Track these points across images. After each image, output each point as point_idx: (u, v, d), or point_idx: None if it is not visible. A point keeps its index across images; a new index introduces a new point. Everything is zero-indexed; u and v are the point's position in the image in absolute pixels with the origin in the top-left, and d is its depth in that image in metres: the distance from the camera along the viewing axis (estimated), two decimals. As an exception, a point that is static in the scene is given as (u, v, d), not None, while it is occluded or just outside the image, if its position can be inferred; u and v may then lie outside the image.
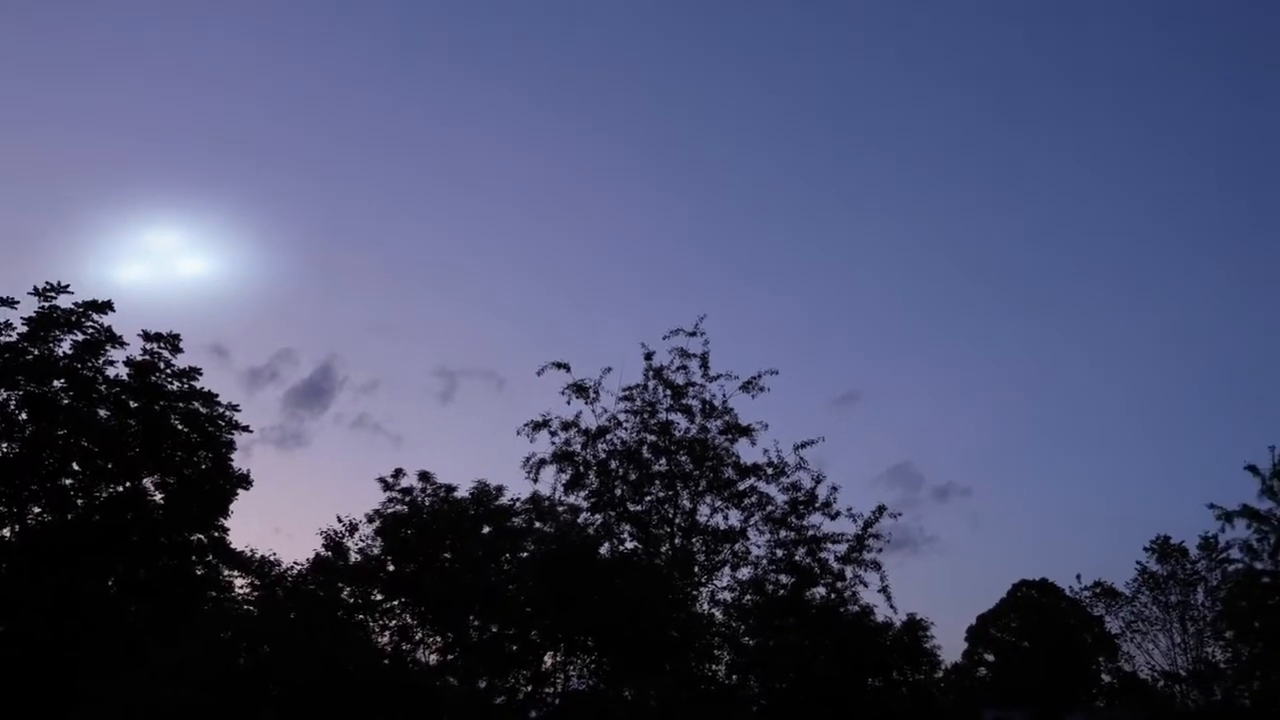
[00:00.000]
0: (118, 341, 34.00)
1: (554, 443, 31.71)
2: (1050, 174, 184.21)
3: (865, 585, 30.65)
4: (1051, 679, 66.52)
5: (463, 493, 34.54)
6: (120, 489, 34.39)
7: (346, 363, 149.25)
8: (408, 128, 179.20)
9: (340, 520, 33.73)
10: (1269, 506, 48.06)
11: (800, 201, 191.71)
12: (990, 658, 75.45)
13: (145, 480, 34.84)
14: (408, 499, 34.11)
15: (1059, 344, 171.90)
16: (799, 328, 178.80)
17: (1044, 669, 67.69)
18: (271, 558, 32.99)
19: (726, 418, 32.20)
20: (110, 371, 34.07)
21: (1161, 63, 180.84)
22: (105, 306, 33.61)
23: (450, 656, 32.17)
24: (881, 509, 30.77)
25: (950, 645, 76.13)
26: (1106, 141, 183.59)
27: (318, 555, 32.81)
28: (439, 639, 32.54)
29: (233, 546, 35.21)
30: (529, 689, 31.31)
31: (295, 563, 32.42)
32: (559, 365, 31.90)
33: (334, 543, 33.26)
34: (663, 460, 31.69)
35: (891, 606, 30.75)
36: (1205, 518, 50.48)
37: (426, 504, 34.07)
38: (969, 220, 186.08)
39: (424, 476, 34.78)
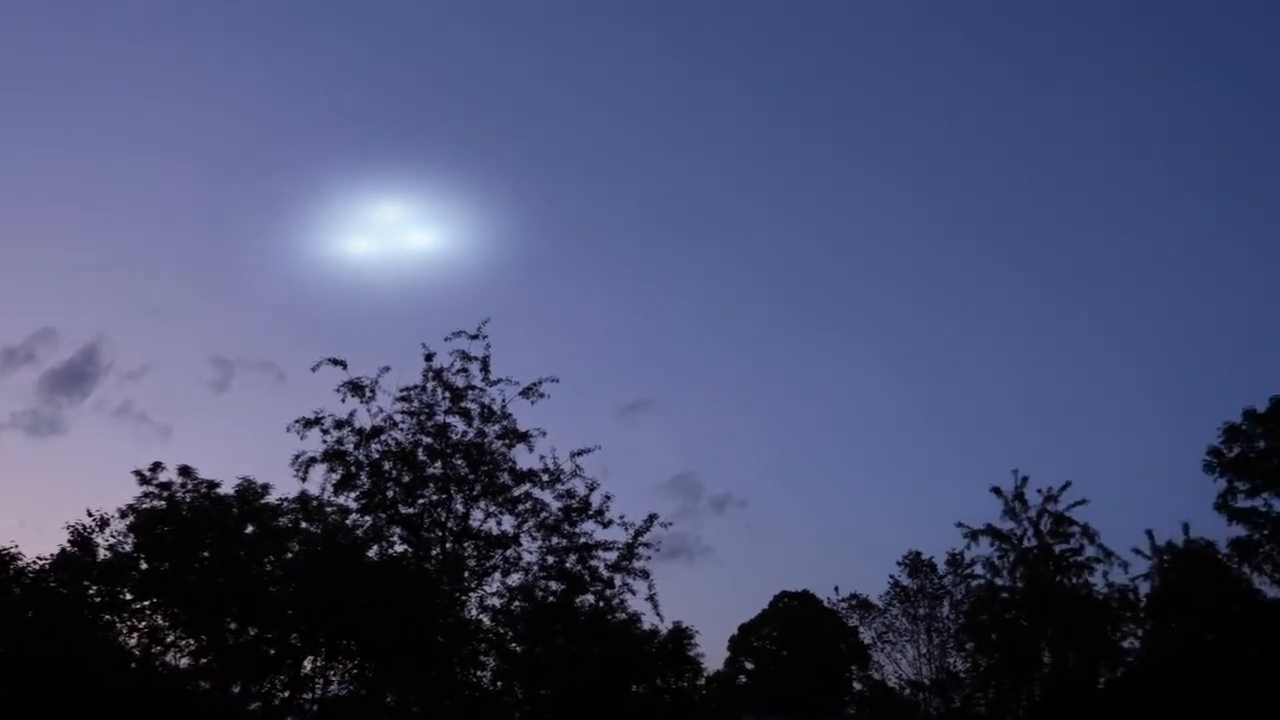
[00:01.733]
0: None
1: (326, 441, 30.87)
2: (837, 183, 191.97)
3: (634, 593, 31.16)
4: (807, 687, 69.15)
5: (227, 489, 33.15)
6: None
7: (115, 346, 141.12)
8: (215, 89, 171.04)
9: (90, 515, 31.76)
10: (1010, 527, 51.64)
11: (592, 210, 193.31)
12: (750, 666, 77.71)
13: None
14: (166, 494, 32.43)
15: (839, 357, 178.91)
16: (592, 334, 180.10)
17: (801, 677, 70.27)
18: (14, 550, 30.76)
19: (505, 423, 32.11)
20: None
21: (948, 60, 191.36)
22: None
23: (204, 660, 30.83)
24: (652, 518, 31.33)
25: (716, 653, 78.06)
26: (897, 149, 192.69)
27: (63, 551, 30.78)
28: (193, 641, 31.12)
29: (-37, 539, 32.56)
30: (286, 694, 30.33)
31: (39, 558, 30.35)
32: (335, 362, 31.12)
33: (81, 538, 31.23)
34: (438, 463, 31.32)
35: (658, 614, 31.36)
36: (956, 535, 53.46)
37: (187, 500, 32.49)
38: (759, 232, 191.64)
39: (185, 471, 33.13)
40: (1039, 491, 51.53)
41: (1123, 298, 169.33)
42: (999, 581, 52.53)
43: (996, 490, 52.13)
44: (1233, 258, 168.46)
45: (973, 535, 52.49)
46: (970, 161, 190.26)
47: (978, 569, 54.86)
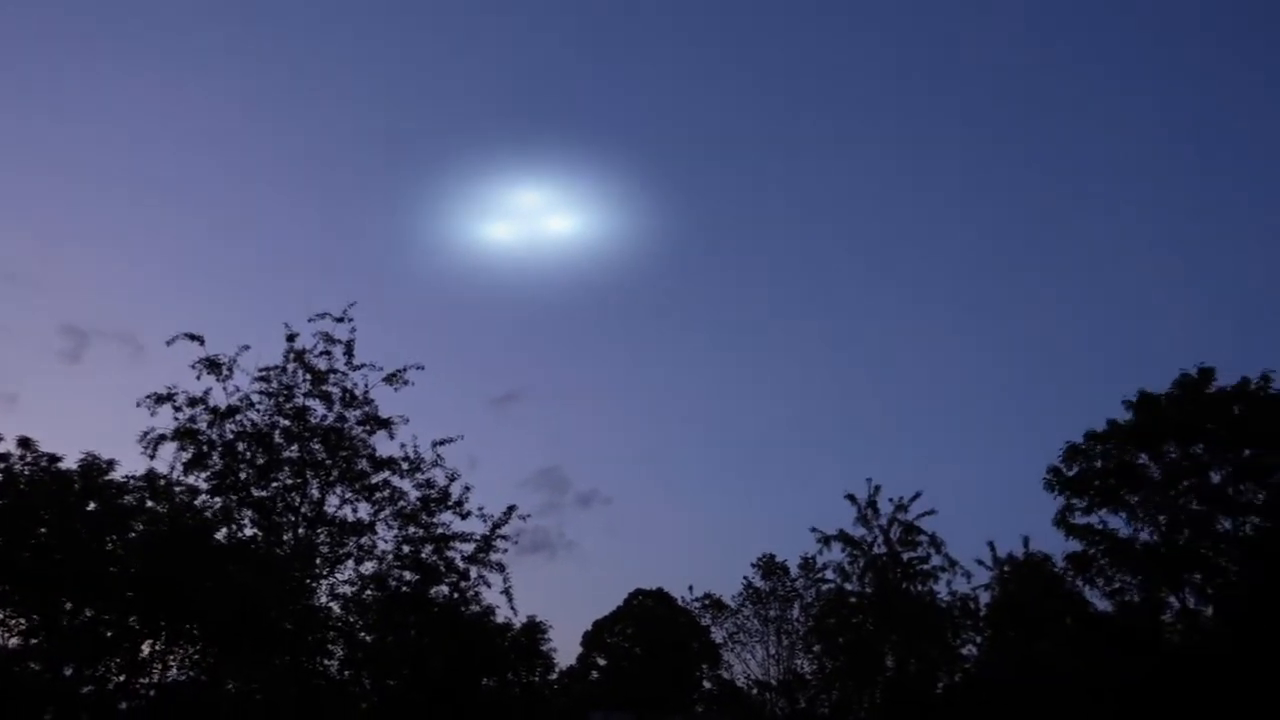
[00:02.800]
0: None
1: (178, 419, 29.84)
2: (708, 183, 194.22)
3: (489, 586, 30.91)
4: (658, 685, 69.79)
5: (70, 464, 31.85)
6: None
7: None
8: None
9: (-87, 487, 30.11)
10: (862, 534, 52.95)
11: (470, 199, 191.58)
12: (603, 662, 78.07)
13: None
14: (3, 467, 31.00)
15: (710, 360, 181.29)
16: (466, 323, 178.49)
17: (651, 675, 70.89)
18: None
19: (367, 408, 31.53)
20: None
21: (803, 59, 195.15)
22: None
23: (35, 640, 29.56)
24: (511, 510, 31.13)
25: (573, 649, 78.30)
26: (762, 149, 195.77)
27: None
28: (24, 621, 29.82)
29: None
30: (121, 678, 29.28)
31: None
32: (192, 337, 30.11)
33: (-99, 512, 29.61)
34: (295, 446, 30.58)
35: (512, 608, 31.15)
36: (811, 539, 54.59)
37: (25, 474, 31.11)
38: (632, 226, 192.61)
39: (24, 443, 31.76)
40: (891, 500, 52.99)
41: (985, 312, 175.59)
42: (848, 586, 53.81)
43: (851, 497, 53.43)
44: (1091, 274, 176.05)
45: (826, 540, 53.63)
46: (844, 161, 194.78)
47: (829, 573, 56.04)
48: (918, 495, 52.63)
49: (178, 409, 29.84)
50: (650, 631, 75.08)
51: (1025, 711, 40.68)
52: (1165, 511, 38.94)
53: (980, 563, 51.06)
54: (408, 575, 30.57)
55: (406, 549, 30.60)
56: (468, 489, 31.29)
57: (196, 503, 29.61)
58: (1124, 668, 36.66)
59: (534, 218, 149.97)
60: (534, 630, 34.51)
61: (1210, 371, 39.81)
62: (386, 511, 30.85)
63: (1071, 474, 41.20)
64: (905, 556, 52.12)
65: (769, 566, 67.22)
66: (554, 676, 55.28)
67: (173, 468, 29.56)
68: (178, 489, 30.10)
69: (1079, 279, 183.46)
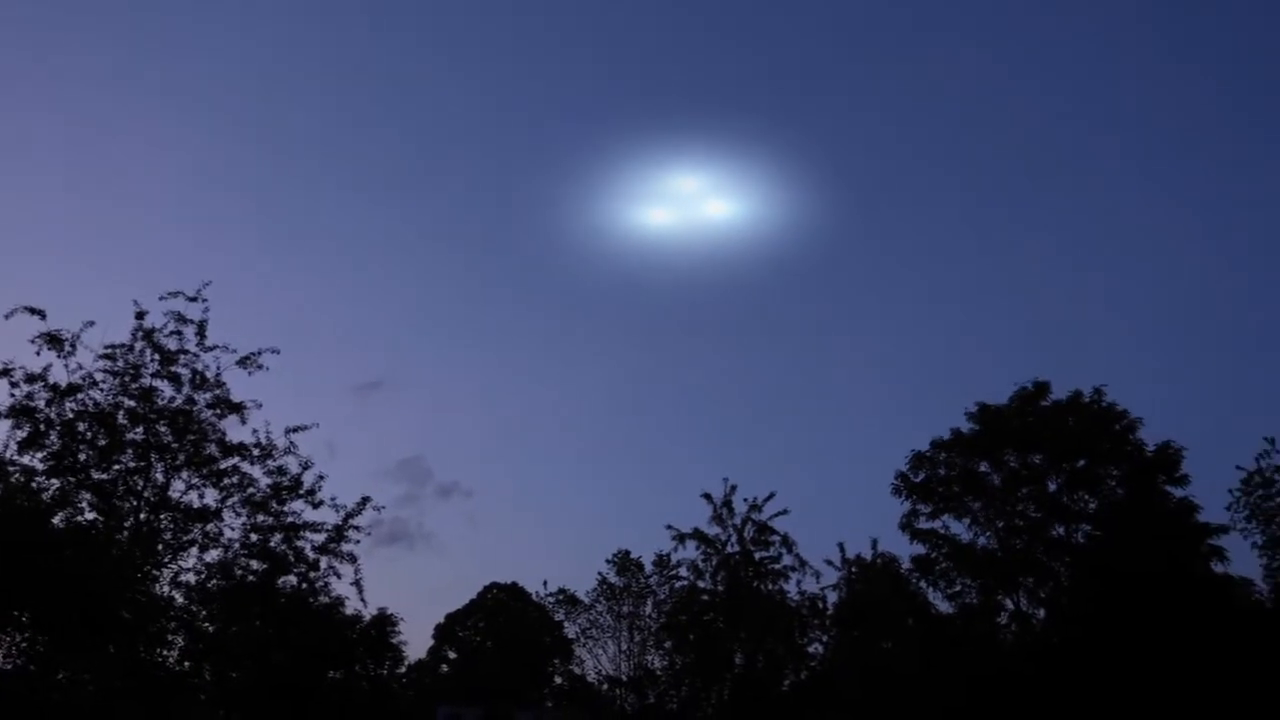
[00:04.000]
0: None
1: (14, 395, 28.45)
2: (578, 172, 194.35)
3: (340, 577, 30.39)
4: (508, 679, 69.62)
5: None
6: None
7: None
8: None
9: None
10: (716, 532, 53.91)
11: (334, 187, 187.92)
12: (454, 656, 77.52)
13: None
14: None
15: (579, 359, 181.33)
16: (328, 309, 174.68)
17: (503, 669, 70.69)
18: None
19: (218, 391, 30.57)
20: None
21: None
22: None
23: None
24: (365, 500, 30.66)
25: (425, 642, 77.50)
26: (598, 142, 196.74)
27: None
28: None
29: None
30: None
31: None
32: (33, 311, 28.70)
33: None
34: (140, 428, 29.44)
35: (363, 600, 30.71)
36: (668, 537, 55.23)
37: None
38: (495, 212, 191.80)
39: None
40: (746, 500, 54.00)
41: (848, 317, 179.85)
42: (701, 584, 54.75)
43: (707, 496, 54.31)
44: (950, 273, 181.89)
45: (681, 538, 54.49)
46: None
47: (683, 571, 56.93)
48: (772, 495, 53.87)
49: (14, 385, 28.45)
50: (503, 626, 74.87)
51: (869, 709, 41.90)
52: (1004, 518, 40.62)
53: (830, 563, 52.49)
54: (255, 564, 29.80)
55: (254, 537, 29.83)
56: (321, 478, 30.68)
57: (33, 484, 28.28)
58: (962, 666, 38.08)
59: (692, 202, 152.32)
60: (384, 622, 33.95)
61: (1045, 385, 41.78)
62: (235, 498, 30.00)
63: (918, 480, 42.67)
64: (757, 555, 53.25)
65: (624, 563, 67.64)
66: (403, 670, 54.70)
67: (6, 446, 28.20)
68: (12, 469, 28.69)
69: (936, 287, 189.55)
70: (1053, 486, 40.33)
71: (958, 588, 40.76)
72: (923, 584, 41.87)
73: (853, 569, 50.56)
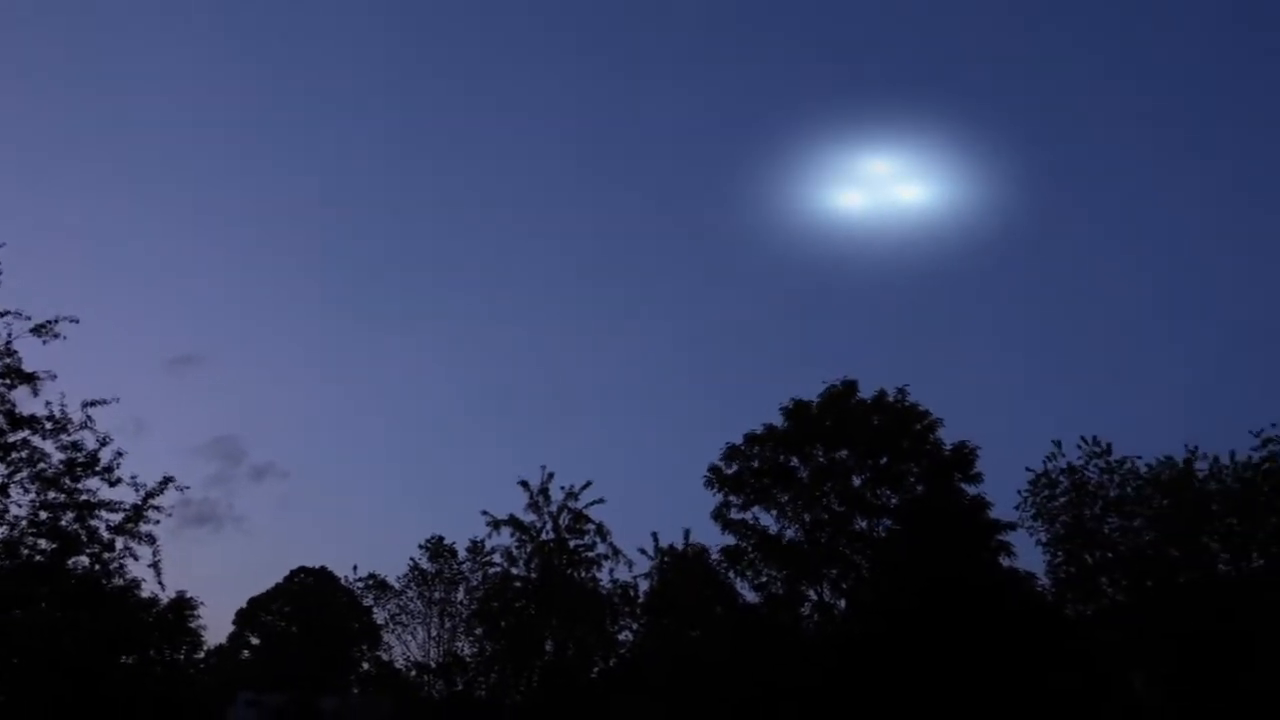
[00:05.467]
0: None
1: None
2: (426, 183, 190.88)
3: (137, 559, 29.11)
4: (314, 665, 68.13)
5: None
6: None
7: None
8: None
9: None
10: (532, 519, 53.96)
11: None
12: (256, 641, 75.39)
13: None
14: None
15: (403, 345, 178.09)
16: (137, 278, 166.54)
17: (309, 654, 69.12)
18: None
19: (9, 360, 28.83)
20: None
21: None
22: None
23: None
24: (167, 480, 29.39)
25: (228, 627, 74.95)
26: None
27: None
28: None
29: None
30: None
31: None
32: None
33: None
34: (-82, 398, 27.58)
35: (160, 583, 29.49)
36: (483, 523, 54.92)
37: None
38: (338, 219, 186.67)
39: None
40: (563, 488, 54.22)
41: (661, 307, 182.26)
42: (515, 571, 54.72)
43: (524, 483, 54.29)
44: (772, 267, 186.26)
45: (496, 524, 54.31)
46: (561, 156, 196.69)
47: (496, 557, 56.78)
48: (588, 484, 54.23)
49: None
50: (309, 610, 73.20)
51: (676, 696, 42.71)
52: (810, 511, 42.00)
53: (643, 552, 53.13)
54: (43, 544, 28.29)
55: (44, 515, 28.29)
56: (120, 454, 29.27)
57: None
58: (767, 655, 39.21)
59: (884, 185, 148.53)
60: (182, 606, 32.90)
61: (854, 384, 43.42)
62: (23, 474, 28.37)
63: (730, 472, 43.68)
64: (572, 543, 53.55)
65: (437, 549, 67.06)
66: (201, 655, 52.83)
67: None
68: None
69: (763, 282, 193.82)
70: (857, 481, 41.87)
71: (764, 578, 41.89)
72: (731, 574, 42.88)
73: (664, 558, 51.32)
